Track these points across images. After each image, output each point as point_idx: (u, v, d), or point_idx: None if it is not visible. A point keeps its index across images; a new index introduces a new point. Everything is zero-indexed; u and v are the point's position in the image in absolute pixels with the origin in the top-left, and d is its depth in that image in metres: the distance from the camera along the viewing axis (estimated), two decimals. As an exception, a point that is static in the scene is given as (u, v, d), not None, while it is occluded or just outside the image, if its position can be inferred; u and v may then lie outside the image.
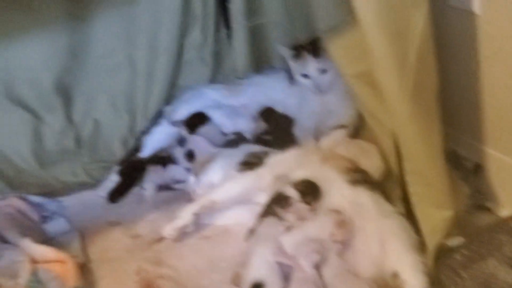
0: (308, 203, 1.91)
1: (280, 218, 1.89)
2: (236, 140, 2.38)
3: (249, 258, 1.78)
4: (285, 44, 2.42)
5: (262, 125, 2.44)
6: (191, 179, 2.22)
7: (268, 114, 2.47)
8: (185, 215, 2.03)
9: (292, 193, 1.94)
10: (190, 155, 2.34)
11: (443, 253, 1.71)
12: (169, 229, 2.02)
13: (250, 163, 2.12)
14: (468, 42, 1.98)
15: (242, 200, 2.08)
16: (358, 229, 1.82)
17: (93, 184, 2.40)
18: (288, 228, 1.85)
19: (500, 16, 1.82)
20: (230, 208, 2.09)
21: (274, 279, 1.70)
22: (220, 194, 2.06)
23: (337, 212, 1.84)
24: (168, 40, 2.54)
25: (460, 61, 2.05)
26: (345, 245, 1.78)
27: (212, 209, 2.05)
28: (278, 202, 1.94)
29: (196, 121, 2.45)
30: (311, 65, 2.27)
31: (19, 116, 2.44)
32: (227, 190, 2.07)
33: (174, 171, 2.34)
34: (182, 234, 2.03)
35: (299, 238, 1.80)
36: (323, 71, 2.27)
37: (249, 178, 2.08)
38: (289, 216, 1.89)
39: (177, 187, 2.32)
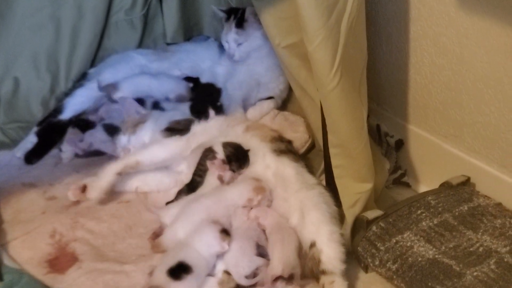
0: (233, 170, 1.90)
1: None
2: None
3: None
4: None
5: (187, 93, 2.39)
6: (123, 139, 2.13)
7: (192, 83, 2.42)
8: (106, 175, 1.97)
9: (219, 150, 1.94)
10: (110, 129, 2.24)
11: (361, 225, 1.73)
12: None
13: (176, 129, 2.08)
14: (399, 20, 2.00)
15: (166, 165, 2.05)
16: (280, 199, 1.82)
17: (9, 144, 2.31)
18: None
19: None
20: (151, 174, 2.05)
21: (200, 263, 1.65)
22: (145, 155, 2.01)
23: (255, 179, 1.84)
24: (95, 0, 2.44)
25: (389, 39, 2.07)
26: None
27: (136, 169, 2.00)
28: (206, 154, 1.94)
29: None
30: (231, 35, 2.32)
31: None
32: (153, 152, 2.02)
33: (93, 137, 2.26)
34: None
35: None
36: (239, 44, 2.32)
37: (176, 143, 2.04)
38: (211, 167, 1.90)
39: (101, 148, 2.22)
